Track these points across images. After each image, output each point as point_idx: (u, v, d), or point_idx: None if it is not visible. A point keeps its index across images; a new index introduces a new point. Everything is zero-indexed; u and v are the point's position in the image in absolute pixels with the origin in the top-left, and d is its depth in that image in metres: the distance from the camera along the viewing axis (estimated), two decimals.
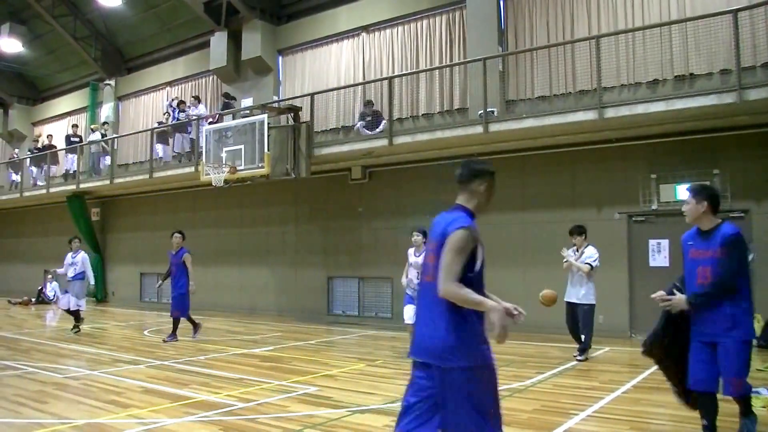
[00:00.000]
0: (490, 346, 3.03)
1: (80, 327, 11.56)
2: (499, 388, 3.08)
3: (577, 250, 8.36)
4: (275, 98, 15.26)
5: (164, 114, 17.54)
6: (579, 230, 8.41)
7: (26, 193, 20.30)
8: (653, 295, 4.39)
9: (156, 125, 17.66)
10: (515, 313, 2.93)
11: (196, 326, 10.91)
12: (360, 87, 13.97)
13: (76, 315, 11.54)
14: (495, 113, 11.05)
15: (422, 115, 13.14)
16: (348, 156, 12.96)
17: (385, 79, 12.87)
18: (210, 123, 14.80)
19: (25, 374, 7.41)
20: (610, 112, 9.61)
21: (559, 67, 11.39)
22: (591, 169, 11.10)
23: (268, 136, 12.85)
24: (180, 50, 18.67)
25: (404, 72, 13.36)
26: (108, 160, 18.38)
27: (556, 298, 7.23)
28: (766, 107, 8.69)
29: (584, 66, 10.70)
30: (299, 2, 15.88)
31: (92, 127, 19.77)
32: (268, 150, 12.79)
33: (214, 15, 16.09)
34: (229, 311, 15.67)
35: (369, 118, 12.83)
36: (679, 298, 4.19)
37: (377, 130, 12.57)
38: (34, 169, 20.76)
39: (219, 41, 16.37)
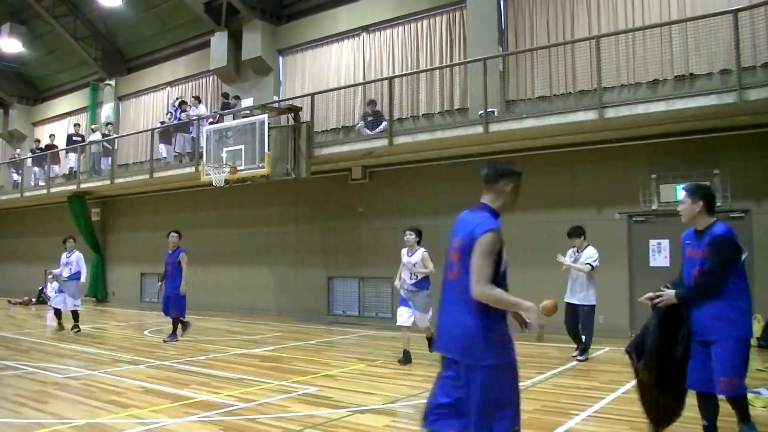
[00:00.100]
0: (514, 344, 3.11)
1: (79, 326, 11.57)
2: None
3: (578, 251, 8.36)
4: (275, 98, 15.26)
5: (167, 114, 17.55)
6: (577, 232, 8.40)
7: (27, 193, 20.29)
8: (640, 299, 4.36)
9: (157, 125, 17.68)
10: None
11: (185, 325, 10.82)
12: (360, 87, 13.98)
13: (74, 315, 11.56)
14: (495, 113, 11.05)
15: (422, 115, 13.15)
16: (348, 156, 12.96)
17: (386, 79, 12.86)
18: (210, 123, 14.80)
19: (26, 374, 7.41)
20: (611, 112, 9.61)
21: (559, 67, 11.39)
22: (591, 169, 11.10)
23: (269, 136, 12.85)
24: (180, 50, 18.68)
25: (404, 72, 13.37)
26: (108, 160, 18.39)
27: (556, 307, 7.21)
28: (767, 107, 8.68)
29: (584, 66, 10.70)
30: (299, 2, 15.88)
31: (93, 127, 19.78)
32: (269, 150, 12.79)
33: (215, 15, 16.10)
34: (229, 311, 15.67)
35: (371, 118, 12.84)
36: (669, 293, 4.20)
37: (377, 129, 12.57)
38: (36, 169, 20.77)
39: (219, 41, 16.38)
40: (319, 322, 13.71)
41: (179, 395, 6.26)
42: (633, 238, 10.63)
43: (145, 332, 11.98)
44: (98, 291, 19.43)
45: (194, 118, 15.88)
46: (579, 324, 8.23)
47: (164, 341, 10.37)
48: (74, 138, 19.50)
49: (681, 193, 4.43)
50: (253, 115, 13.83)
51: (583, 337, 8.29)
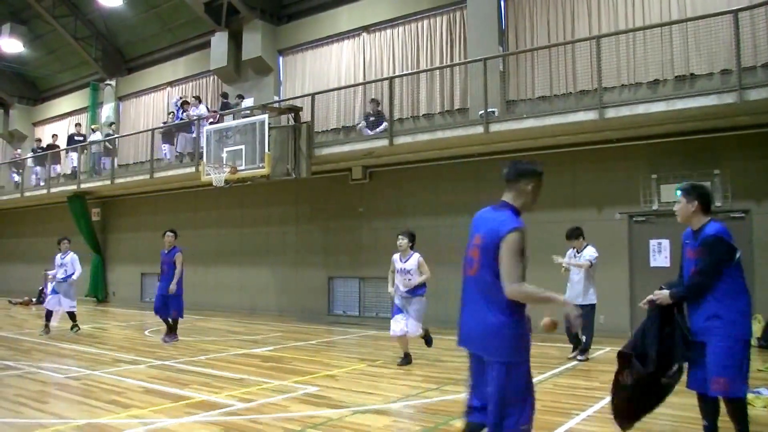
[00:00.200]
0: (530, 344, 3.17)
1: (79, 325, 11.57)
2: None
3: (577, 252, 8.36)
4: (276, 98, 15.26)
5: (169, 114, 17.55)
6: (576, 233, 8.39)
7: (27, 193, 20.30)
8: (641, 303, 4.33)
9: (157, 125, 17.68)
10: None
11: (174, 331, 10.63)
12: (360, 87, 13.98)
13: (72, 316, 11.55)
14: (495, 113, 11.05)
15: (423, 115, 13.15)
16: (348, 156, 12.96)
17: (386, 79, 12.86)
18: (210, 123, 14.80)
19: (26, 374, 7.42)
20: (611, 113, 9.61)
21: (559, 67, 11.40)
22: (591, 169, 11.10)
23: (269, 136, 12.85)
24: (181, 50, 18.68)
25: (405, 72, 13.37)
26: (109, 160, 18.39)
27: (556, 326, 7.16)
28: (767, 107, 8.69)
29: (585, 66, 10.70)
30: (300, 2, 15.89)
31: (93, 127, 19.78)
32: (269, 150, 12.79)
33: (215, 15, 16.10)
34: (229, 311, 15.67)
35: (373, 118, 12.84)
36: (663, 293, 4.18)
37: (378, 129, 12.57)
38: (39, 169, 20.77)
39: (219, 41, 16.38)
40: (319, 322, 13.71)
41: (180, 395, 6.26)
42: (633, 238, 10.63)
43: (146, 332, 11.98)
44: (99, 291, 19.42)
45: (194, 118, 15.88)
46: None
47: (164, 341, 10.36)
48: (76, 138, 19.49)
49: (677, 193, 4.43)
50: (254, 115, 13.83)
51: (584, 338, 8.29)
